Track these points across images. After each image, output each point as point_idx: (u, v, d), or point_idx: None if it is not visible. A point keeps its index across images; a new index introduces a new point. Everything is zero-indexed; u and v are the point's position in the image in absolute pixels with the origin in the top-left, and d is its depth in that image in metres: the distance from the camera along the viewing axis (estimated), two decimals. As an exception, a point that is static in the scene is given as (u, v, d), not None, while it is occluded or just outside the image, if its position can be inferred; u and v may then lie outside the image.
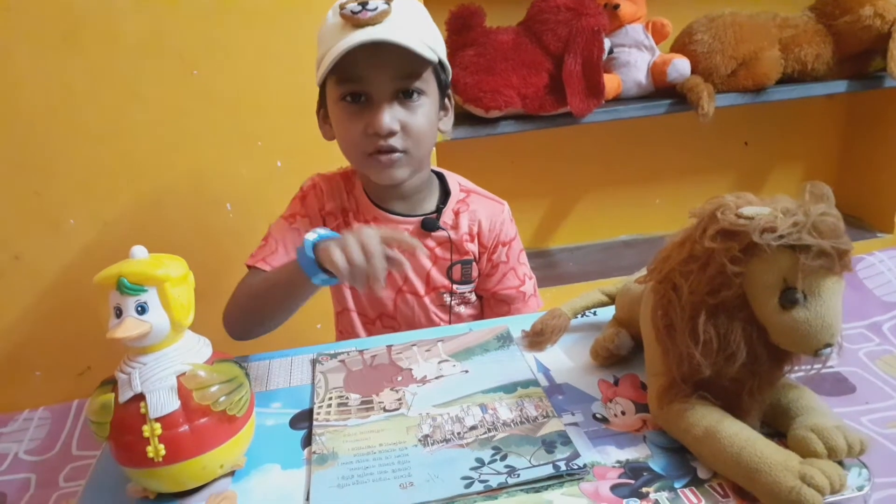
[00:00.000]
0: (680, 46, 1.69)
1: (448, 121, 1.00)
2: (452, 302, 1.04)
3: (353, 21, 0.83)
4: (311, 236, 0.76)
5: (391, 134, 0.88)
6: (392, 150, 0.89)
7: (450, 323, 1.04)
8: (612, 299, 0.83)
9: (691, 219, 0.58)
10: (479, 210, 1.02)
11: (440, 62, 0.92)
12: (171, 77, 1.36)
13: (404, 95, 0.88)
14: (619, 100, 1.65)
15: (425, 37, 0.87)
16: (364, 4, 0.83)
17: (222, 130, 1.41)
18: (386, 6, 0.84)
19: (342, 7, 0.85)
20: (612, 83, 1.59)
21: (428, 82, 0.91)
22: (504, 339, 0.82)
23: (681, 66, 1.59)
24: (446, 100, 0.98)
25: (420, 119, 0.90)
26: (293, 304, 0.86)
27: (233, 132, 1.42)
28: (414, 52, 0.84)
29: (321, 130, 0.99)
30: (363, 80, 0.87)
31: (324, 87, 0.93)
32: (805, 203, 0.53)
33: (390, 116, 0.87)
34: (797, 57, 1.64)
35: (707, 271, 0.55)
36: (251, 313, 0.90)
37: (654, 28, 1.66)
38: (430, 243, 1.00)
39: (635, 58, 1.64)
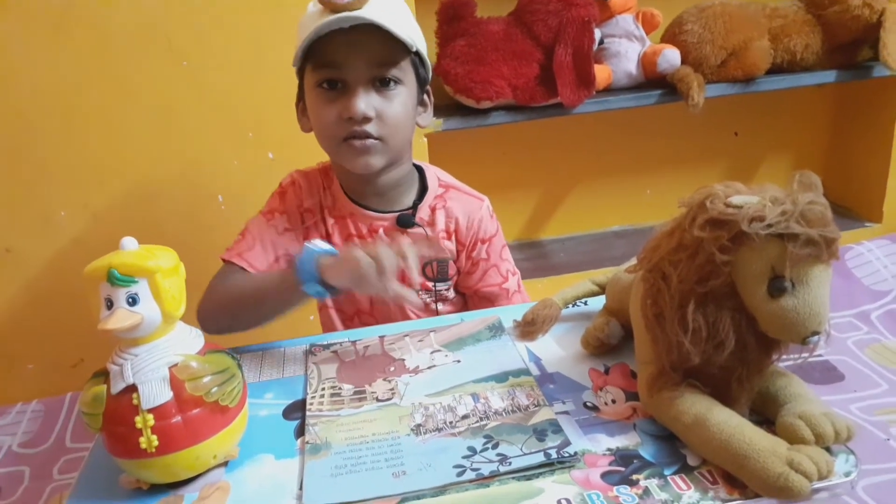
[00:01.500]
0: (670, 37, 1.69)
1: (427, 116, 1.00)
2: (429, 299, 1.03)
3: (331, 6, 0.83)
4: (314, 247, 0.78)
5: (366, 120, 0.87)
6: (366, 135, 0.88)
7: None
8: (602, 289, 0.83)
9: (681, 208, 0.58)
10: (456, 207, 1.01)
11: (419, 56, 0.92)
12: (161, 68, 1.36)
13: (381, 84, 0.88)
14: (609, 90, 1.65)
15: (404, 26, 0.87)
16: None
17: (213, 122, 1.41)
18: None
19: None
20: (602, 74, 1.59)
21: (405, 72, 0.91)
22: (496, 329, 0.83)
23: (671, 57, 1.60)
24: (425, 95, 0.98)
25: (396, 108, 0.90)
26: (281, 311, 0.87)
27: (224, 124, 1.41)
28: (391, 33, 0.84)
29: (300, 123, 0.99)
30: (339, 65, 0.87)
31: (302, 77, 0.93)
32: (793, 192, 0.54)
33: (365, 102, 0.87)
34: (786, 47, 1.65)
35: (696, 260, 0.55)
36: (233, 313, 0.91)
37: (645, 18, 1.66)
38: (406, 240, 0.99)
39: (625, 48, 1.64)
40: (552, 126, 1.68)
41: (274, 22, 1.37)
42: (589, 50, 1.49)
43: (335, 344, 0.84)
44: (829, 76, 1.70)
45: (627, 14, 1.65)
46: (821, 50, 1.67)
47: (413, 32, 0.90)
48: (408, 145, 0.97)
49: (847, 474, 0.54)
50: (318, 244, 0.80)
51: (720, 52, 1.60)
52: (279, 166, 1.41)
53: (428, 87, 0.99)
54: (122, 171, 1.41)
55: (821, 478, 0.51)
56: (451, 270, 1.03)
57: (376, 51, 0.86)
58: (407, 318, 1.03)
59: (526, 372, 0.73)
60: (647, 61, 1.63)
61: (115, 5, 1.31)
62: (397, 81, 0.90)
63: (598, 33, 1.55)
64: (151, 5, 1.32)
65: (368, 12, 0.83)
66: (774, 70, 1.67)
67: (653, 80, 1.65)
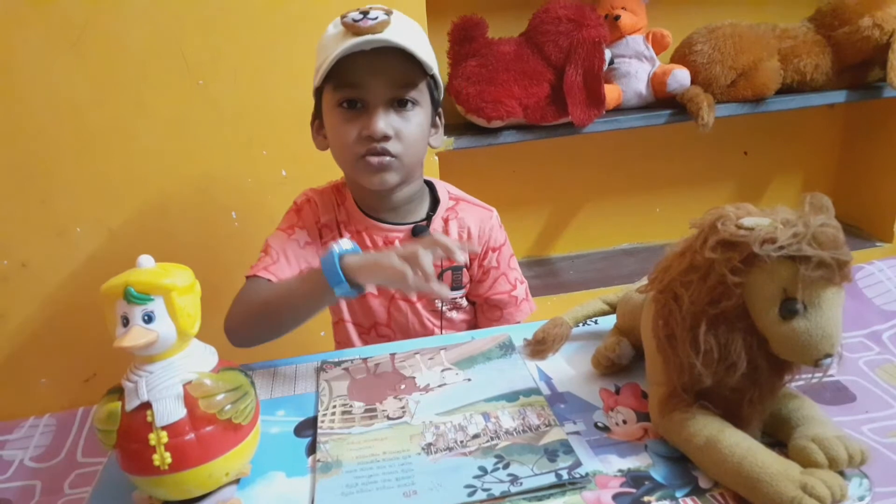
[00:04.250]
0: (680, 57, 1.70)
1: (438, 137, 1.02)
2: (444, 308, 1.05)
3: (354, 29, 0.86)
4: (337, 248, 0.78)
5: (385, 138, 0.90)
6: (384, 152, 0.90)
7: (442, 328, 1.06)
8: (613, 308, 0.83)
9: (692, 229, 0.59)
10: (468, 217, 1.04)
11: (434, 78, 0.95)
12: (176, 86, 1.37)
13: (399, 104, 0.91)
14: (619, 110, 1.66)
15: (423, 49, 0.90)
16: (365, 13, 0.86)
17: (228, 139, 1.42)
18: (386, 17, 0.86)
19: (343, 17, 0.87)
20: (612, 93, 1.60)
21: (422, 94, 0.93)
22: (506, 348, 0.83)
23: (681, 77, 1.60)
24: (437, 117, 1.00)
25: (413, 128, 0.92)
26: (309, 314, 0.87)
27: (238, 141, 1.43)
28: (414, 56, 0.87)
29: (314, 141, 1.00)
30: (360, 85, 0.89)
31: (320, 96, 0.95)
32: (805, 214, 0.54)
33: (385, 122, 0.89)
34: (796, 67, 1.65)
35: (707, 282, 0.55)
36: (262, 322, 0.90)
37: (655, 39, 1.67)
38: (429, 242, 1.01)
39: (636, 68, 1.65)
40: (562, 145, 1.69)
41: (289, 42, 1.39)
42: (599, 70, 1.50)
43: (346, 361, 0.84)
44: (839, 96, 1.70)
45: (638, 35, 1.67)
46: (831, 70, 1.68)
47: (430, 55, 0.92)
48: (420, 164, 0.99)
49: (861, 498, 0.53)
50: (343, 244, 0.80)
51: (730, 73, 1.61)
52: (292, 183, 1.43)
53: (440, 110, 1.01)
54: (138, 187, 1.43)
55: (834, 502, 0.50)
56: (465, 279, 1.05)
57: (397, 72, 0.89)
58: (424, 328, 1.05)
59: (537, 391, 0.73)
60: (656, 81, 1.63)
61: (133, 24, 1.33)
62: (415, 103, 0.92)
63: (608, 53, 1.56)
64: (168, 24, 1.34)
65: (390, 35, 0.85)
66: (784, 90, 1.68)
67: (663, 100, 1.66)
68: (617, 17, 1.64)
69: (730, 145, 1.99)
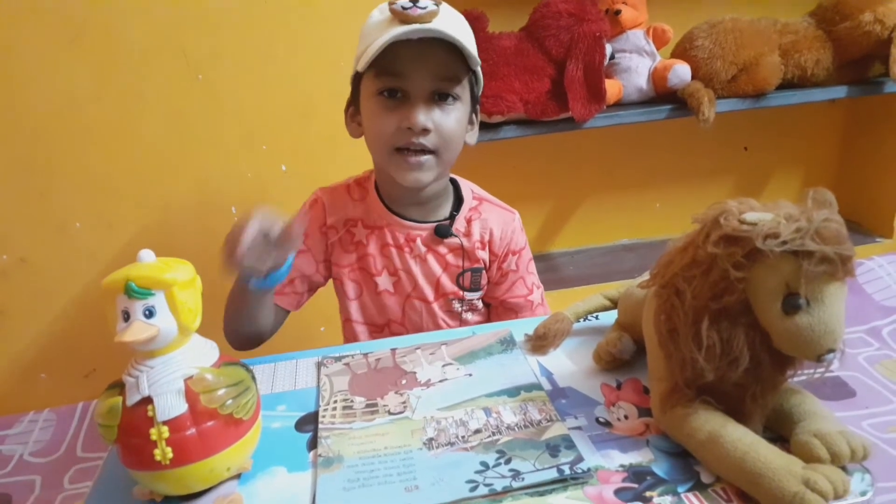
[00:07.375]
0: (681, 52, 1.69)
1: (473, 134, 1.00)
2: (461, 308, 1.04)
3: (402, 17, 0.84)
4: None
5: (425, 131, 0.88)
6: (422, 149, 0.89)
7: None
8: (614, 303, 0.83)
9: (694, 224, 0.58)
10: (491, 218, 1.03)
11: (475, 74, 0.94)
12: (176, 81, 1.37)
13: (440, 98, 0.90)
14: (620, 105, 1.66)
15: (469, 43, 0.88)
16: (415, 2, 0.85)
17: (227, 134, 1.42)
18: (436, 7, 0.85)
19: (392, 3, 0.86)
20: (613, 88, 1.60)
21: (464, 89, 0.92)
22: (507, 343, 0.83)
23: (681, 72, 1.60)
24: (474, 115, 0.99)
25: (453, 123, 0.91)
26: (247, 311, 0.93)
27: (238, 136, 1.42)
28: (456, 49, 0.85)
29: (348, 128, 0.99)
30: (404, 75, 0.87)
31: (357, 84, 0.94)
32: (808, 209, 0.54)
33: (425, 115, 0.88)
34: (797, 62, 1.65)
35: (710, 276, 0.55)
36: (229, 325, 0.96)
37: (655, 34, 1.67)
38: (443, 250, 1.01)
39: (636, 63, 1.65)
40: (563, 140, 1.68)
41: (289, 36, 1.38)
42: (600, 65, 1.50)
43: (347, 356, 0.84)
44: (839, 91, 1.70)
45: (638, 29, 1.66)
46: (832, 65, 1.68)
47: (475, 49, 0.91)
48: (453, 161, 0.97)
49: (863, 493, 0.53)
50: None
51: (731, 68, 1.61)
52: (292, 178, 1.43)
53: (477, 107, 0.99)
54: (137, 182, 1.42)
55: (837, 497, 0.50)
56: (483, 280, 1.04)
57: (442, 65, 0.88)
58: (438, 327, 1.04)
59: (538, 386, 0.73)
60: (657, 76, 1.63)
61: (132, 19, 1.33)
62: (456, 97, 0.91)
63: (609, 48, 1.55)
64: (168, 20, 1.34)
65: (439, 25, 0.84)
66: (785, 85, 1.68)
67: (663, 95, 1.66)
68: (617, 12, 1.63)
69: (730, 141, 1.99)
